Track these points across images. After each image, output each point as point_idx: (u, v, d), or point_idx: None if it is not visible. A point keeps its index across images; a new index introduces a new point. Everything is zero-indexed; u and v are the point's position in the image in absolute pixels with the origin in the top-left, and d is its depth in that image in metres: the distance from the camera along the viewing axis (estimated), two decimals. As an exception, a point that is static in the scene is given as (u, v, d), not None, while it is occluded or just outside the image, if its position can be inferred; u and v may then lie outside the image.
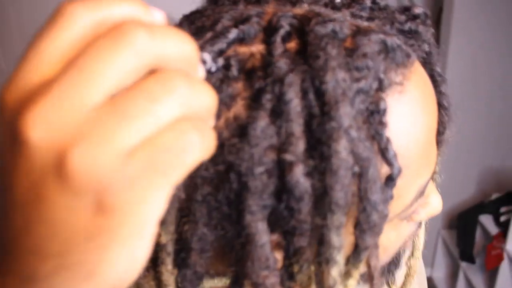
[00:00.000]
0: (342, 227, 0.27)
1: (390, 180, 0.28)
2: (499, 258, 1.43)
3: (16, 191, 0.18)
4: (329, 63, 0.26)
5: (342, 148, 0.25)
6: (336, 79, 0.26)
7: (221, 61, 0.28)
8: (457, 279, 1.78)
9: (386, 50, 0.29)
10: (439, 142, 0.38)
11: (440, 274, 2.02)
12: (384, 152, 0.28)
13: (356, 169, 0.26)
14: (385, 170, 0.29)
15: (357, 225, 0.28)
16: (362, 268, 0.31)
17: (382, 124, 0.28)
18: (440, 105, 0.36)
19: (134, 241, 0.19)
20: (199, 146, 0.19)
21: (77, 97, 0.17)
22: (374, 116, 0.28)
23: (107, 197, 0.18)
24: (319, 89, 0.26)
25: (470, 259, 1.68)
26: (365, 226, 0.28)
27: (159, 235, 0.31)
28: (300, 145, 0.26)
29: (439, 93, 0.36)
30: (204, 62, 0.26)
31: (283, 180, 0.26)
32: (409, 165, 0.30)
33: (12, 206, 0.19)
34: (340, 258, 0.28)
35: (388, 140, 0.28)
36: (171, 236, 0.31)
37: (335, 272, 0.28)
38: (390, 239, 0.34)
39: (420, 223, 0.40)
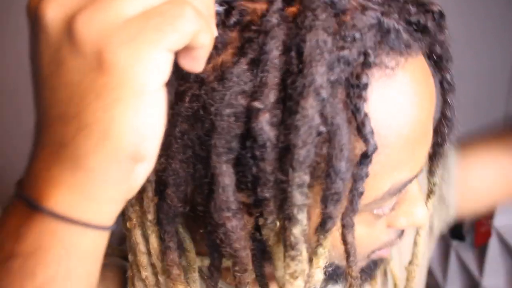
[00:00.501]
0: (305, 186, 0.27)
1: (364, 157, 0.29)
2: (487, 234, 1.46)
3: (41, 66, 0.22)
4: (314, 23, 0.27)
5: (308, 106, 0.26)
6: (317, 39, 0.26)
7: (221, 9, 0.30)
8: (448, 258, 1.81)
9: (379, 28, 0.29)
10: (437, 153, 0.38)
11: (432, 253, 2.03)
12: (360, 126, 0.28)
13: (322, 128, 0.27)
14: (360, 146, 0.29)
15: (322, 192, 0.29)
16: (340, 248, 0.32)
17: (361, 97, 0.28)
18: (442, 115, 0.36)
19: (136, 102, 0.22)
20: (194, 19, 0.22)
21: None
22: (354, 89, 0.28)
23: (106, 54, 0.21)
24: (299, 46, 0.27)
25: (460, 237, 1.71)
26: (328, 192, 0.28)
27: None
28: (270, 96, 0.27)
29: (444, 101, 0.36)
30: None
31: (249, 126, 0.27)
32: (387, 153, 0.30)
33: (41, 82, 0.23)
34: (302, 217, 0.28)
35: (366, 115, 0.28)
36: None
37: (297, 230, 0.29)
38: (359, 234, 0.33)
39: (401, 233, 0.40)
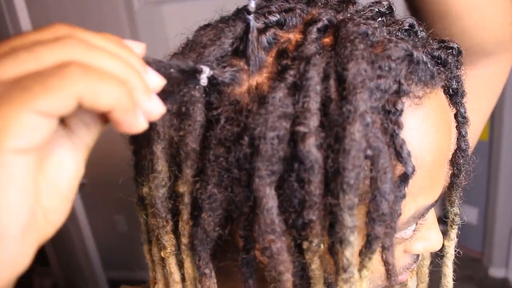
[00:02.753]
0: (354, 208, 0.28)
1: (404, 178, 0.30)
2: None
3: None
4: (354, 53, 0.28)
5: (356, 131, 0.27)
6: (358, 68, 0.28)
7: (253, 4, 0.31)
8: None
9: (410, 60, 0.31)
10: (454, 184, 0.40)
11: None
12: (398, 150, 0.29)
13: (369, 152, 0.28)
14: (398, 170, 0.30)
15: (368, 214, 0.29)
16: (380, 267, 0.32)
17: (398, 124, 0.29)
18: (458, 147, 0.38)
19: None
20: (78, 78, 0.20)
21: None
22: (390, 115, 0.29)
23: None
24: (341, 75, 0.28)
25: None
26: (375, 214, 0.29)
27: (177, 185, 0.33)
28: (314, 120, 0.28)
29: (459, 133, 0.38)
30: (200, 71, 0.30)
31: (295, 150, 0.28)
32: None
33: None
34: (353, 239, 0.29)
35: (403, 140, 0.30)
36: (188, 188, 0.32)
37: (349, 253, 0.29)
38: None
39: (417, 257, 0.41)
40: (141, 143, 0.35)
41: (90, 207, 2.23)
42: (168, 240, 0.35)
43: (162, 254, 0.36)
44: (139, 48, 0.25)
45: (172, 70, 0.27)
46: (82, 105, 0.21)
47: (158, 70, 0.26)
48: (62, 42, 0.21)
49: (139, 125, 0.23)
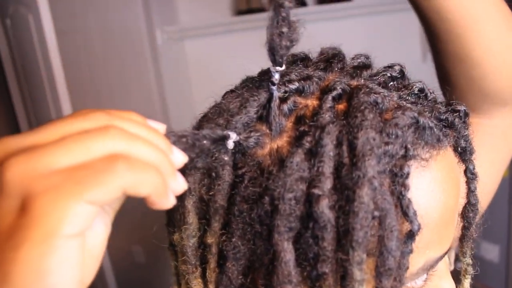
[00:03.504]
0: (363, 263, 0.30)
1: (411, 235, 0.32)
2: None
3: None
4: (364, 123, 0.31)
5: (364, 194, 0.30)
6: (367, 137, 0.31)
7: (278, 74, 0.34)
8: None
9: (417, 126, 0.34)
10: (465, 236, 0.42)
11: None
12: (405, 209, 0.32)
13: (376, 213, 0.30)
14: (405, 227, 0.32)
15: (376, 268, 0.32)
16: None
17: (405, 185, 0.32)
18: (468, 202, 0.40)
19: (43, 246, 0.21)
20: (124, 173, 0.23)
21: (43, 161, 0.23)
22: (397, 178, 0.32)
23: (28, 199, 0.22)
24: (351, 142, 0.31)
25: None
26: (382, 269, 0.31)
27: (206, 236, 0.36)
28: (327, 183, 0.31)
29: (468, 189, 0.40)
30: (228, 137, 0.33)
31: (311, 210, 0.31)
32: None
33: None
34: None
35: (409, 200, 0.32)
36: (215, 239, 0.35)
37: None
38: None
39: None
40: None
41: (108, 237, 2.25)
42: (197, 284, 0.38)
43: None
44: (161, 128, 0.29)
45: (204, 140, 0.31)
46: (125, 193, 0.24)
47: (192, 141, 0.30)
48: (107, 134, 0.24)
49: (170, 203, 0.27)
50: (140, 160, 0.24)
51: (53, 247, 0.21)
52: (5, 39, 2.22)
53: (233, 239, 0.34)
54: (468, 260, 0.45)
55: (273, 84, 0.34)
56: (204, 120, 0.38)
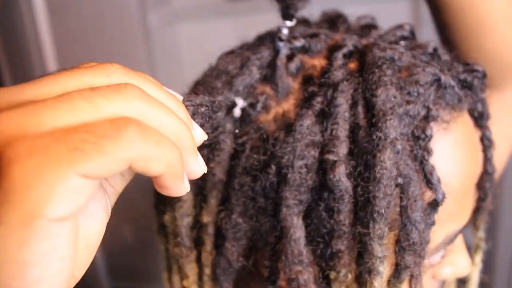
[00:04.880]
0: (384, 238, 0.27)
1: (434, 205, 0.29)
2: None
3: None
4: (383, 79, 0.28)
5: (386, 158, 0.26)
6: (388, 94, 0.27)
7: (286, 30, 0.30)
8: None
9: (438, 84, 0.30)
10: (480, 208, 0.39)
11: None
12: (428, 177, 0.29)
13: (400, 180, 0.27)
14: (427, 196, 0.30)
15: (398, 243, 0.29)
16: None
17: (427, 150, 0.29)
18: (484, 171, 0.37)
19: (22, 230, 0.16)
20: (135, 141, 0.17)
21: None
22: (419, 142, 0.29)
23: (7, 164, 0.16)
24: (369, 101, 0.28)
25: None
26: (405, 243, 0.28)
27: (201, 215, 0.32)
28: (343, 148, 0.27)
29: (485, 157, 0.37)
30: (234, 104, 0.29)
31: (324, 178, 0.27)
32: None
33: None
34: (382, 269, 0.28)
35: (433, 166, 0.29)
36: (212, 218, 0.32)
37: (377, 283, 0.28)
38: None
39: (443, 283, 0.40)
40: None
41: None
42: (191, 269, 0.34)
43: (184, 283, 0.35)
44: (180, 98, 0.24)
45: (206, 107, 0.24)
46: (131, 169, 0.18)
47: (209, 113, 0.24)
48: (122, 93, 0.19)
49: (184, 190, 0.21)
50: (158, 130, 0.19)
51: (36, 233, 0.16)
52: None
53: (233, 216, 0.31)
54: (482, 234, 0.43)
55: (281, 40, 0.31)
56: (199, 85, 0.33)
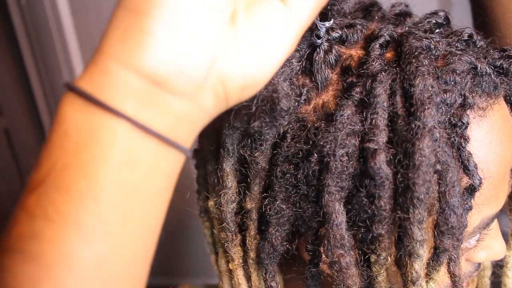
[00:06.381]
0: (424, 222, 0.28)
1: (471, 190, 0.30)
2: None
3: None
4: (420, 69, 0.29)
5: (425, 146, 0.27)
6: (425, 84, 0.28)
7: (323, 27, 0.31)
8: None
9: (475, 72, 0.31)
10: None
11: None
12: (465, 163, 0.30)
13: (438, 167, 0.28)
14: (464, 182, 0.31)
15: (436, 227, 0.30)
16: (445, 278, 0.32)
17: (464, 137, 0.30)
18: None
19: None
20: None
21: None
22: (456, 129, 0.30)
23: None
24: (407, 91, 0.29)
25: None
26: (444, 227, 0.29)
27: (245, 201, 0.34)
28: (383, 136, 0.28)
29: None
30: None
31: (365, 166, 0.28)
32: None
33: None
34: (422, 252, 0.29)
35: (469, 153, 0.30)
36: (255, 204, 0.33)
37: (418, 266, 0.29)
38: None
39: (478, 266, 0.40)
40: (205, 157, 0.37)
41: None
42: (236, 252, 0.36)
43: (230, 266, 0.37)
44: None
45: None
46: None
47: None
48: None
49: None
50: None
51: None
52: (20, 20, 2.22)
53: (276, 203, 0.32)
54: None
55: (318, 37, 0.32)
56: None
